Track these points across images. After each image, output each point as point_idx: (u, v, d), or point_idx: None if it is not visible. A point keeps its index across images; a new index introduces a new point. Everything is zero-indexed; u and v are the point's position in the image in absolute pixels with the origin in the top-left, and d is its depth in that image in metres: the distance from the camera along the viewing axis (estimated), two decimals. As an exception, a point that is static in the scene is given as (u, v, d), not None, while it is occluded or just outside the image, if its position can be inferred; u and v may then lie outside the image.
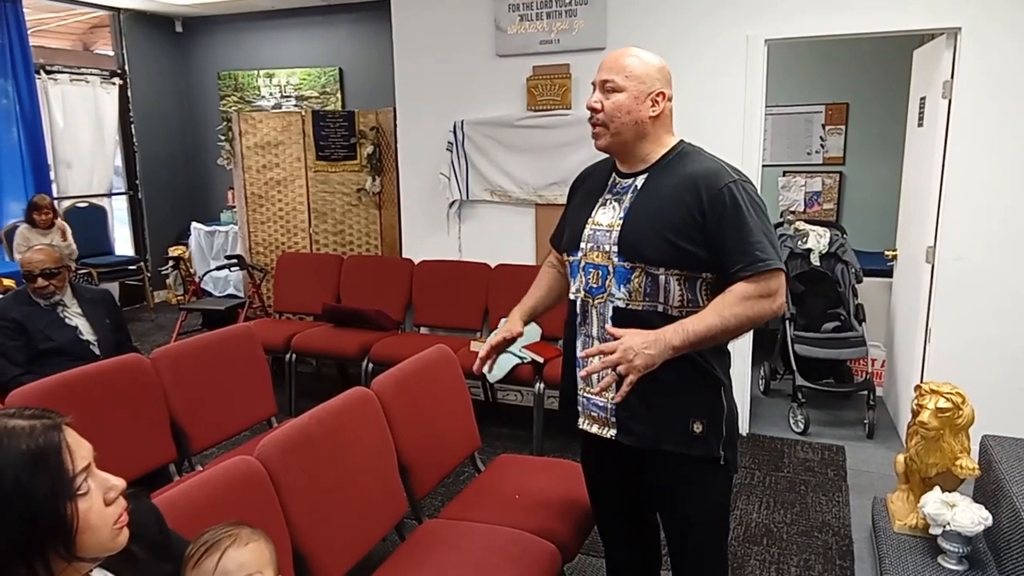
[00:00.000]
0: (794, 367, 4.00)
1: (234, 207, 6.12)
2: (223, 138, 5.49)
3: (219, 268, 5.92)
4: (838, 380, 4.23)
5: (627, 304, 1.68)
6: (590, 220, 1.77)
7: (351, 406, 2.11)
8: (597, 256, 1.73)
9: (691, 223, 1.60)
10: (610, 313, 1.70)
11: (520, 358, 3.63)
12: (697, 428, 1.68)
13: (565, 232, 1.87)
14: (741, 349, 3.81)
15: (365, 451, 2.09)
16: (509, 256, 4.27)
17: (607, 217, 1.73)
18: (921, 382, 2.57)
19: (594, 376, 1.64)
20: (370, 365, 4.03)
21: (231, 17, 6.89)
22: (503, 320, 1.98)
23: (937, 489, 2.34)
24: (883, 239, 4.66)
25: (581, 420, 1.84)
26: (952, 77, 3.33)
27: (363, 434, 2.10)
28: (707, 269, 1.64)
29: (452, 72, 4.31)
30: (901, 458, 2.63)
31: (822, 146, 5.80)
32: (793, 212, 5.60)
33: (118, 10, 6.66)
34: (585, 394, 1.81)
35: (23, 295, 3.02)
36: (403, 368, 2.42)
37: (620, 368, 1.51)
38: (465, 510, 2.28)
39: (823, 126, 5.78)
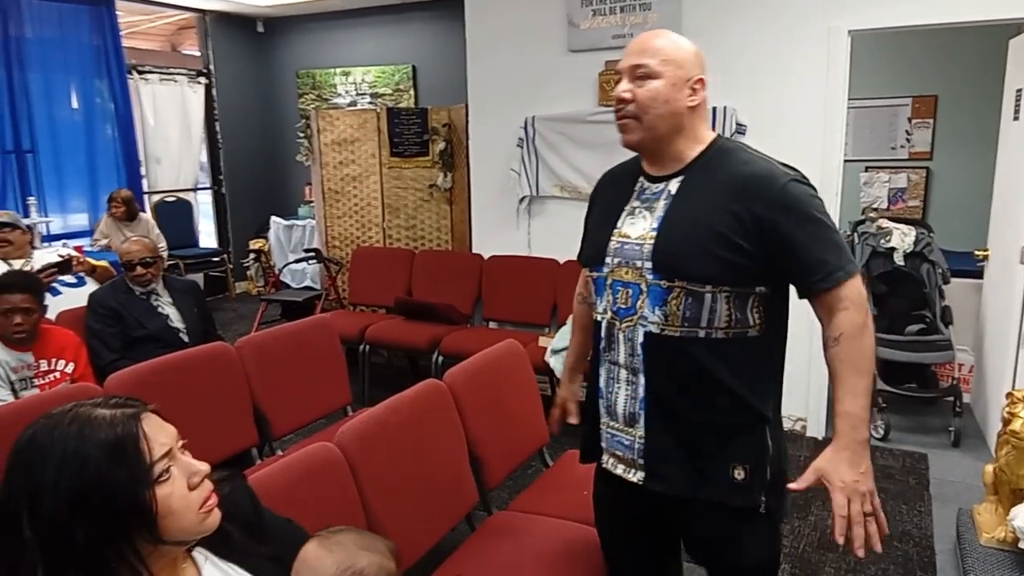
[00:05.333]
0: (875, 371, 3.86)
1: (311, 202, 6.31)
2: (302, 135, 5.67)
3: (297, 261, 6.12)
4: (922, 385, 4.05)
5: (662, 329, 1.45)
6: (616, 232, 1.53)
7: (425, 397, 2.16)
8: (626, 273, 1.50)
9: (742, 232, 1.39)
10: (640, 339, 1.48)
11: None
12: (739, 475, 1.46)
13: (585, 245, 1.67)
14: (817, 351, 3.69)
15: (438, 441, 2.14)
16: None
17: (637, 228, 1.50)
18: (1013, 389, 2.45)
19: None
20: (440, 358, 4.10)
21: (309, 17, 7.10)
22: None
23: (1029, 502, 2.24)
24: (973, 238, 4.43)
25: (605, 458, 1.62)
26: (1054, 67, 3.15)
27: (436, 425, 2.15)
28: (760, 283, 1.44)
29: (524, 68, 4.33)
30: (990, 468, 2.52)
31: (908, 140, 5.55)
32: (876, 209, 5.36)
33: (204, 12, 6.95)
34: (609, 429, 1.58)
35: (120, 284, 3.20)
36: (474, 362, 2.46)
37: (863, 508, 1.34)
38: (534, 503, 2.30)
39: (909, 119, 5.53)
